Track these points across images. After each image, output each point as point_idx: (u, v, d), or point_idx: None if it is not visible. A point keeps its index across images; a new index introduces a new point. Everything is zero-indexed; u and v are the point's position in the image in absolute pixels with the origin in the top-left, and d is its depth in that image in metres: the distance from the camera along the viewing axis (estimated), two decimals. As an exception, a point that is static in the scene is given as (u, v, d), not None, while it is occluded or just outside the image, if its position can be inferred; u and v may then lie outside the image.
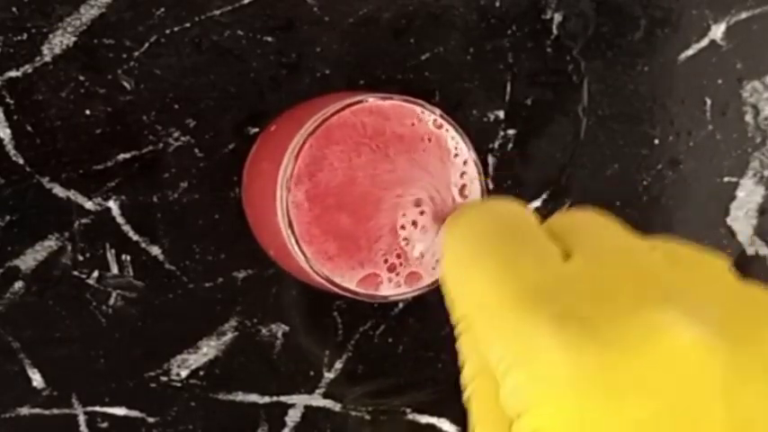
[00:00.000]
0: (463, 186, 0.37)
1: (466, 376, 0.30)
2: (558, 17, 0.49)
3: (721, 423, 0.24)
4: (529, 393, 0.25)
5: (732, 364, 0.25)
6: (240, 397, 0.48)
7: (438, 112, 0.37)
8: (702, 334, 0.25)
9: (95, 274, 0.46)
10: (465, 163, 0.37)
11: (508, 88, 0.49)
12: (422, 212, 0.37)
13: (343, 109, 0.35)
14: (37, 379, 0.46)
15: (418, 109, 0.37)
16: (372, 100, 0.36)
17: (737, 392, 0.25)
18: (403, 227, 0.37)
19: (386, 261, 0.37)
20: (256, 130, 0.46)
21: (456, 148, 0.37)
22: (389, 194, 0.36)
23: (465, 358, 0.30)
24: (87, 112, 0.44)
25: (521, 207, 0.32)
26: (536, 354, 0.25)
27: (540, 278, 0.27)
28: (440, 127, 0.37)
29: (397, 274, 0.37)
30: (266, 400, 0.49)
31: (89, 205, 0.45)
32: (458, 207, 0.36)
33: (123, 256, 0.46)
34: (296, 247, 0.35)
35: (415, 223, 0.37)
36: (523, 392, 0.26)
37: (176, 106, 0.45)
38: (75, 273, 0.46)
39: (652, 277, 0.28)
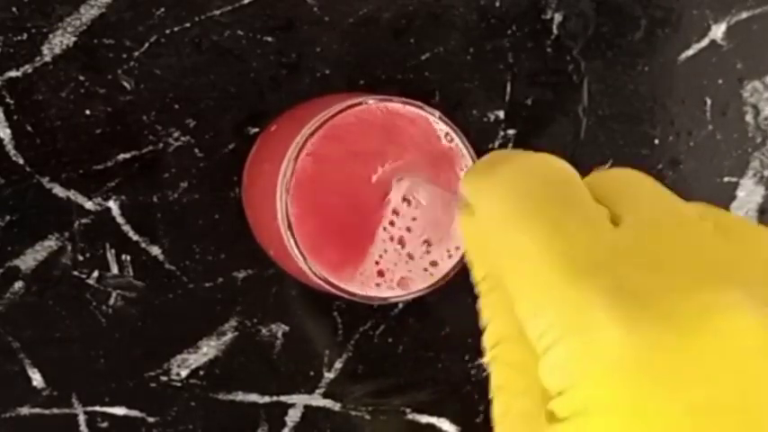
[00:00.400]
0: None
1: (489, 338, 0.29)
2: (558, 17, 0.49)
3: None
4: (577, 368, 0.24)
5: None
6: (240, 397, 0.48)
7: (437, 113, 0.37)
8: (764, 316, 0.24)
9: (95, 274, 0.46)
10: (466, 166, 0.37)
11: (508, 88, 0.49)
12: (414, 219, 0.37)
13: (344, 110, 0.35)
14: (37, 379, 0.46)
15: (421, 112, 0.37)
16: (373, 102, 0.36)
17: None
18: (392, 235, 0.37)
19: (376, 263, 0.37)
20: (256, 130, 0.46)
21: (461, 156, 0.37)
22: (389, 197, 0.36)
23: (489, 319, 0.29)
24: (87, 112, 0.44)
25: (563, 163, 0.29)
26: (588, 327, 0.24)
27: (592, 245, 0.26)
28: (450, 141, 0.37)
29: (386, 279, 0.37)
30: (266, 400, 0.49)
31: (89, 205, 0.45)
32: (484, 158, 0.34)
33: (123, 256, 0.46)
34: (295, 249, 0.35)
35: (408, 229, 0.37)
36: (571, 367, 0.24)
37: (176, 106, 0.45)
38: (75, 273, 0.46)
39: (708, 251, 0.26)
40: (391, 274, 0.37)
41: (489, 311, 0.29)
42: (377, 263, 0.37)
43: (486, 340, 0.29)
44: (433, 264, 0.38)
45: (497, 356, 0.28)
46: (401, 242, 0.37)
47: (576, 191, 0.28)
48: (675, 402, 0.23)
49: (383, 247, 0.37)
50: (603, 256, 0.26)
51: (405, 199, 0.37)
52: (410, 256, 0.37)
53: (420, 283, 0.37)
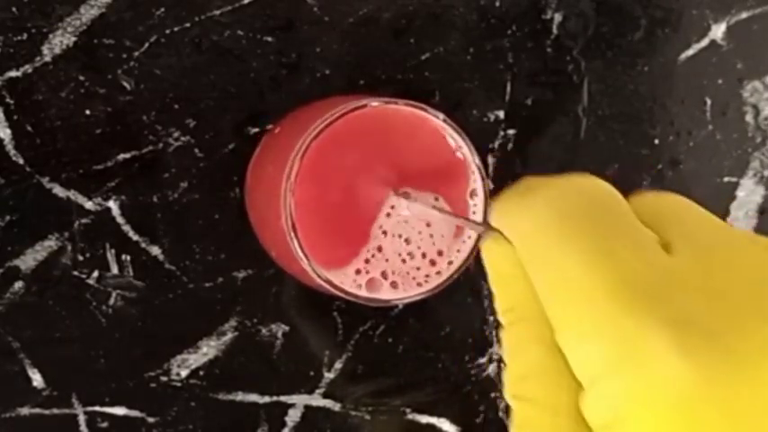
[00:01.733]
0: (472, 192, 0.37)
1: (512, 374, 0.27)
2: (558, 17, 0.49)
3: None
4: (630, 402, 0.23)
5: None
6: (240, 397, 0.48)
7: (441, 116, 0.37)
8: None
9: (95, 274, 0.46)
10: (470, 169, 0.37)
11: (508, 88, 0.49)
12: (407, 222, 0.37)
13: (347, 113, 0.35)
14: (37, 379, 0.46)
15: (425, 114, 0.37)
16: (376, 104, 0.36)
17: None
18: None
19: (366, 261, 0.37)
20: (256, 130, 0.46)
21: (465, 159, 0.37)
22: (392, 199, 0.36)
23: (512, 354, 0.27)
24: (87, 112, 0.44)
25: (606, 184, 0.27)
26: (645, 360, 0.22)
27: (645, 271, 0.24)
28: (455, 145, 0.37)
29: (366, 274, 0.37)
30: (266, 400, 0.49)
31: (89, 205, 0.45)
32: (517, 182, 0.32)
33: (123, 256, 0.46)
34: (299, 251, 0.35)
35: (407, 241, 0.37)
36: (623, 400, 0.23)
37: (176, 106, 0.45)
38: (75, 273, 0.45)
39: (765, 279, 0.25)
40: (392, 276, 0.37)
41: (513, 345, 0.27)
42: (365, 260, 0.37)
43: (509, 376, 0.27)
44: (432, 262, 0.38)
45: (520, 393, 0.27)
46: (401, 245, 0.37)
47: (622, 212, 0.26)
48: None
49: (382, 246, 0.37)
50: (659, 283, 0.24)
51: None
52: (405, 262, 0.37)
53: (418, 288, 0.37)
